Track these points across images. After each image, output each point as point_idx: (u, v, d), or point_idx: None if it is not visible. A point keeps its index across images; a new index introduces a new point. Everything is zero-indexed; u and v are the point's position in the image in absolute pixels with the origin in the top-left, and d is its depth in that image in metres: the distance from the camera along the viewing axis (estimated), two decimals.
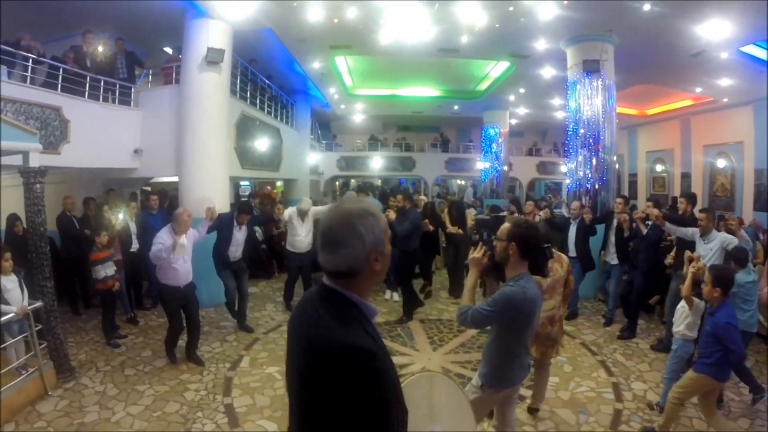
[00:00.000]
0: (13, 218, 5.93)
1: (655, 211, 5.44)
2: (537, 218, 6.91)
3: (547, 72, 10.29)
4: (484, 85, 13.34)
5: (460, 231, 7.58)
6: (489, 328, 2.69)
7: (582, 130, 7.94)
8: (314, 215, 6.83)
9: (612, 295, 6.44)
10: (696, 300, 3.76)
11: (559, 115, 14.33)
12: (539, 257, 2.54)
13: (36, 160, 4.44)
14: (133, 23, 7.48)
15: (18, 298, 4.17)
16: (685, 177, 14.02)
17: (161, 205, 7.29)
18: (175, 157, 7.13)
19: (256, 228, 8.77)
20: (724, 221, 6.16)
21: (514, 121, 17.05)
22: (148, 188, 9.67)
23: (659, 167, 15.41)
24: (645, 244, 5.79)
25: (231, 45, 7.30)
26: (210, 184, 6.95)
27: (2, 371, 3.84)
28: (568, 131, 8.35)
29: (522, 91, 12.91)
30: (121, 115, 7.14)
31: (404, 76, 12.74)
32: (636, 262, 5.95)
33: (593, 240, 6.60)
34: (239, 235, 5.94)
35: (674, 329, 4.02)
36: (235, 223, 5.87)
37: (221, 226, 5.79)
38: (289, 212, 6.72)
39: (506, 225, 2.60)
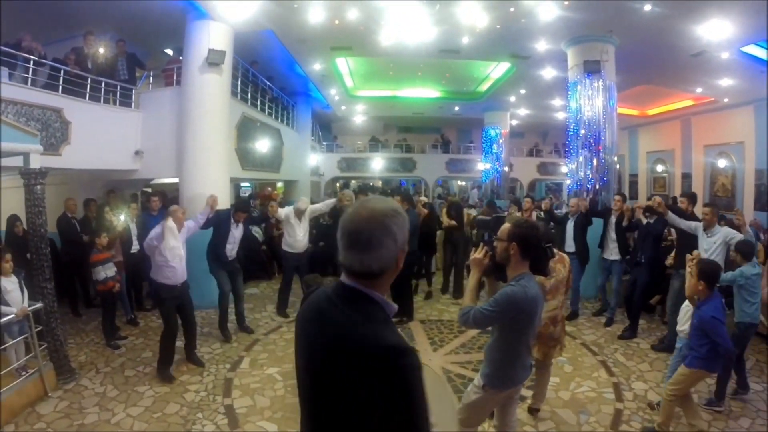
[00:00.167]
0: (13, 219, 5.95)
1: (658, 198, 5.44)
2: (534, 215, 6.92)
3: (548, 73, 10.29)
4: (484, 86, 13.35)
5: (453, 222, 7.52)
6: (490, 328, 2.69)
7: (583, 131, 7.95)
8: (311, 213, 6.80)
9: (614, 292, 6.43)
10: None
11: (560, 115, 14.32)
12: (540, 257, 2.54)
13: (37, 162, 4.45)
14: (134, 25, 7.50)
15: (18, 299, 4.17)
16: (686, 177, 14.01)
17: (162, 206, 7.29)
18: (176, 159, 7.14)
19: (257, 229, 8.78)
20: (724, 220, 6.15)
21: (514, 122, 17.06)
22: (149, 189, 9.68)
23: (660, 167, 15.40)
24: (649, 239, 5.78)
25: (232, 46, 7.31)
26: (211, 186, 6.90)
27: (2, 372, 3.83)
28: (568, 132, 8.36)
29: (523, 91, 12.92)
30: (122, 116, 7.14)
31: (405, 78, 12.76)
32: (638, 259, 5.94)
33: (590, 236, 6.61)
34: (236, 232, 5.88)
35: (678, 328, 4.04)
36: (232, 221, 5.82)
37: (219, 222, 5.72)
38: (285, 212, 6.66)
39: (506, 225, 2.59)
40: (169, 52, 8.77)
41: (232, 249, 5.85)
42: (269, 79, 10.73)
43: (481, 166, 16.63)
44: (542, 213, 7.42)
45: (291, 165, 12.16)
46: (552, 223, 6.77)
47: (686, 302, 3.92)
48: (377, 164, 18.53)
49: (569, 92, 8.31)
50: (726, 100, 11.53)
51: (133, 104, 7.38)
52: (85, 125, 6.30)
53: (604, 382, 4.65)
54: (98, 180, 7.93)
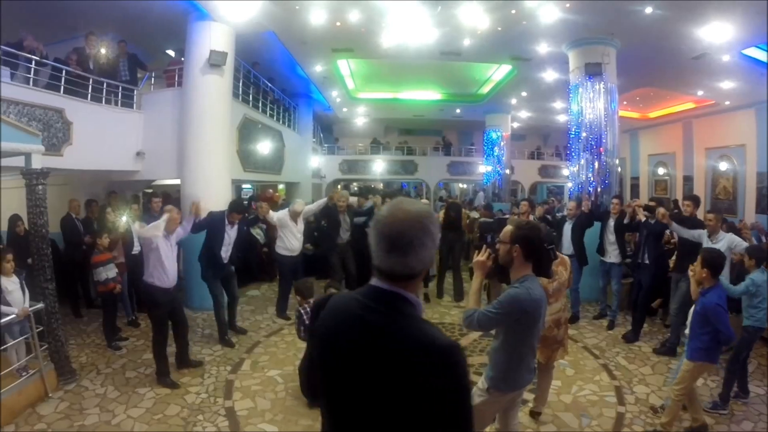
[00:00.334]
0: (14, 219, 5.95)
1: (662, 210, 5.45)
2: (531, 218, 6.92)
3: (549, 75, 10.30)
4: (486, 89, 13.35)
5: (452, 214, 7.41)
6: (494, 332, 2.68)
7: (584, 134, 7.94)
8: (305, 215, 6.75)
9: (614, 295, 6.42)
10: None
11: (561, 118, 14.33)
12: (543, 258, 2.53)
13: (38, 162, 4.45)
14: (136, 26, 7.51)
15: (19, 299, 4.17)
16: (687, 180, 14.00)
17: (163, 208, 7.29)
18: (178, 160, 7.14)
19: (258, 230, 8.76)
20: (725, 223, 6.15)
21: (516, 125, 17.06)
22: (150, 190, 9.68)
23: (661, 170, 15.39)
24: (651, 239, 5.78)
25: (233, 48, 7.31)
26: (212, 187, 6.94)
27: (3, 373, 3.83)
28: (570, 134, 8.36)
29: (524, 94, 12.93)
30: (124, 117, 7.15)
31: (406, 80, 12.77)
32: (640, 260, 5.93)
33: (588, 238, 6.60)
34: (231, 234, 5.74)
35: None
36: (226, 222, 5.67)
37: (213, 224, 5.59)
38: (279, 215, 6.59)
39: (508, 228, 2.60)
40: (171, 53, 8.79)
41: (226, 251, 5.72)
42: (270, 80, 10.74)
43: (483, 168, 16.63)
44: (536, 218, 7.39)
45: (292, 167, 12.18)
46: (549, 227, 6.75)
47: (693, 306, 3.93)
48: (378, 166, 18.53)
49: (570, 95, 8.32)
50: (727, 102, 11.53)
51: (134, 105, 7.39)
52: (86, 126, 6.31)
53: (605, 386, 4.63)
54: (100, 181, 7.93)
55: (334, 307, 1.32)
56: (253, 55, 9.33)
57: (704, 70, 9.01)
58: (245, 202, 11.06)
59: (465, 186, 23.41)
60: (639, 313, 5.95)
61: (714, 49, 7.79)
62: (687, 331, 3.99)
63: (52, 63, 6.13)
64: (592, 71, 7.75)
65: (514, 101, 13.97)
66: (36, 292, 4.42)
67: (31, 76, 5.79)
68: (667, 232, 5.96)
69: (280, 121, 11.44)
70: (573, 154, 8.26)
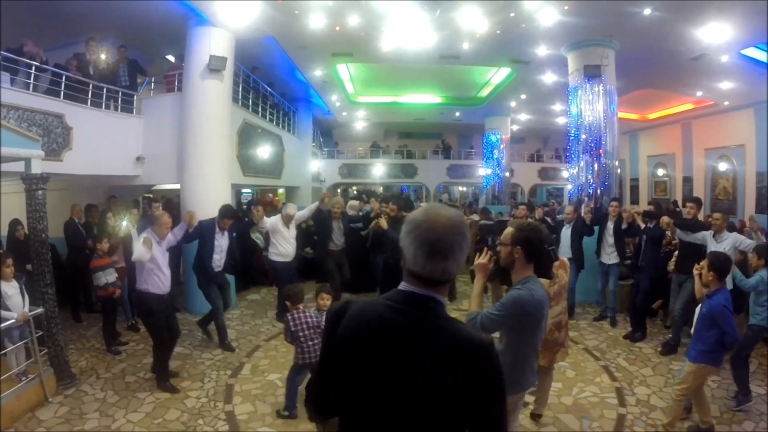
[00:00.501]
0: (14, 223, 5.95)
1: (666, 219, 5.51)
2: (529, 221, 6.91)
3: (549, 78, 10.31)
4: (485, 92, 13.38)
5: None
6: (497, 335, 2.67)
7: (583, 136, 7.96)
8: (297, 220, 6.67)
9: (612, 294, 6.42)
10: None
11: (561, 120, 14.35)
12: (544, 260, 2.53)
13: (38, 167, 4.46)
14: (136, 31, 7.54)
15: (19, 304, 4.17)
16: (687, 181, 14.01)
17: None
18: (177, 165, 7.14)
19: (258, 235, 8.74)
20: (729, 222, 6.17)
21: (515, 128, 17.07)
22: (150, 195, 9.69)
23: (661, 171, 15.40)
24: (649, 243, 5.78)
25: (233, 52, 7.34)
26: (212, 192, 6.92)
27: (2, 377, 3.82)
28: (569, 137, 8.37)
29: (523, 97, 12.95)
30: (124, 122, 7.16)
31: (406, 83, 12.81)
32: (638, 263, 5.93)
33: (586, 242, 6.62)
34: (222, 241, 5.62)
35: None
36: (217, 229, 5.56)
37: (203, 233, 5.50)
38: (271, 221, 6.47)
39: (509, 229, 2.59)
40: (171, 58, 8.81)
41: (219, 259, 5.61)
42: (270, 85, 10.77)
43: (482, 171, 16.64)
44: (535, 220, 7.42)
45: (292, 171, 12.18)
46: (548, 230, 6.75)
47: (699, 306, 3.94)
48: (378, 170, 18.57)
49: (570, 97, 8.33)
50: (726, 103, 11.55)
51: (134, 110, 7.40)
52: (86, 131, 6.31)
53: (606, 387, 4.62)
54: (99, 186, 7.94)
55: (359, 314, 1.30)
56: (253, 60, 9.35)
57: (703, 70, 9.03)
58: (245, 207, 11.14)
59: (465, 189, 23.42)
60: (639, 316, 5.95)
61: (713, 49, 7.81)
62: (692, 331, 4.00)
63: (52, 68, 6.14)
64: (591, 73, 7.77)
65: (513, 104, 13.99)
66: (36, 297, 4.42)
67: (31, 81, 5.80)
68: (667, 233, 5.96)
69: (280, 126, 11.46)
70: (572, 156, 8.27)
